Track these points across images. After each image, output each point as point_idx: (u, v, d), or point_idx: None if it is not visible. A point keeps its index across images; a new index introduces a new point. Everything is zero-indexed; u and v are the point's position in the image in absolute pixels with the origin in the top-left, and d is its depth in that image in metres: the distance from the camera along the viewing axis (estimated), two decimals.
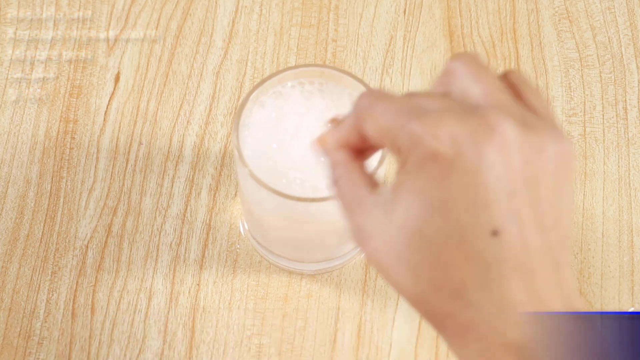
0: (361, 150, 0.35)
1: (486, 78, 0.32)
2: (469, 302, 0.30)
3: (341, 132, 0.34)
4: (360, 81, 0.46)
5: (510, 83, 0.33)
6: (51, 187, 0.58)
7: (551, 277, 0.30)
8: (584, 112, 0.61)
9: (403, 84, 0.62)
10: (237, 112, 0.46)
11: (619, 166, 0.59)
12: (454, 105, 0.31)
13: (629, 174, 0.59)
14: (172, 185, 0.58)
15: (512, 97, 0.32)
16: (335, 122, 0.36)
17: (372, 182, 0.33)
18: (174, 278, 0.55)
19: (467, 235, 0.29)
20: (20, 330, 0.54)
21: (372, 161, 0.36)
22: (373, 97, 0.32)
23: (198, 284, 0.55)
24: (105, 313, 0.54)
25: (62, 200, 0.57)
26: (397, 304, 0.55)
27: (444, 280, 0.30)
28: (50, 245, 0.56)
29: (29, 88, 0.61)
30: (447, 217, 0.29)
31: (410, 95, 0.32)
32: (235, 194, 0.58)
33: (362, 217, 0.32)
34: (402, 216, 0.30)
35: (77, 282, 0.55)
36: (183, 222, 0.57)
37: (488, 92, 0.32)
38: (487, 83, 0.32)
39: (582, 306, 0.31)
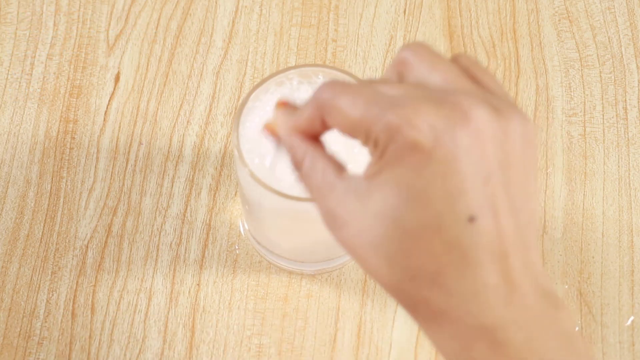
0: (314, 135, 0.34)
1: (442, 65, 0.32)
2: (445, 288, 0.30)
3: (298, 120, 0.33)
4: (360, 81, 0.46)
5: (463, 67, 0.33)
6: (51, 187, 0.58)
7: (522, 259, 0.30)
8: (584, 112, 0.61)
9: None
10: (237, 112, 0.46)
11: (619, 166, 0.59)
12: (422, 93, 0.31)
13: (629, 174, 0.59)
14: (172, 185, 0.58)
15: (471, 82, 0.32)
16: (284, 106, 0.35)
17: (338, 165, 0.33)
18: (174, 278, 0.55)
19: (444, 223, 0.29)
20: (20, 330, 0.54)
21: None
22: (335, 88, 0.32)
23: (198, 284, 0.55)
24: (105, 313, 0.54)
25: (62, 200, 0.57)
26: (397, 304, 0.55)
27: (420, 268, 0.30)
28: (50, 245, 0.56)
29: (28, 88, 0.61)
30: (425, 207, 0.29)
31: (370, 83, 0.32)
32: (235, 194, 0.58)
33: (334, 203, 0.32)
34: (378, 206, 0.30)
35: (77, 282, 0.55)
36: (183, 222, 0.57)
37: (448, 79, 0.31)
38: (444, 70, 0.32)
39: (549, 285, 0.31)
